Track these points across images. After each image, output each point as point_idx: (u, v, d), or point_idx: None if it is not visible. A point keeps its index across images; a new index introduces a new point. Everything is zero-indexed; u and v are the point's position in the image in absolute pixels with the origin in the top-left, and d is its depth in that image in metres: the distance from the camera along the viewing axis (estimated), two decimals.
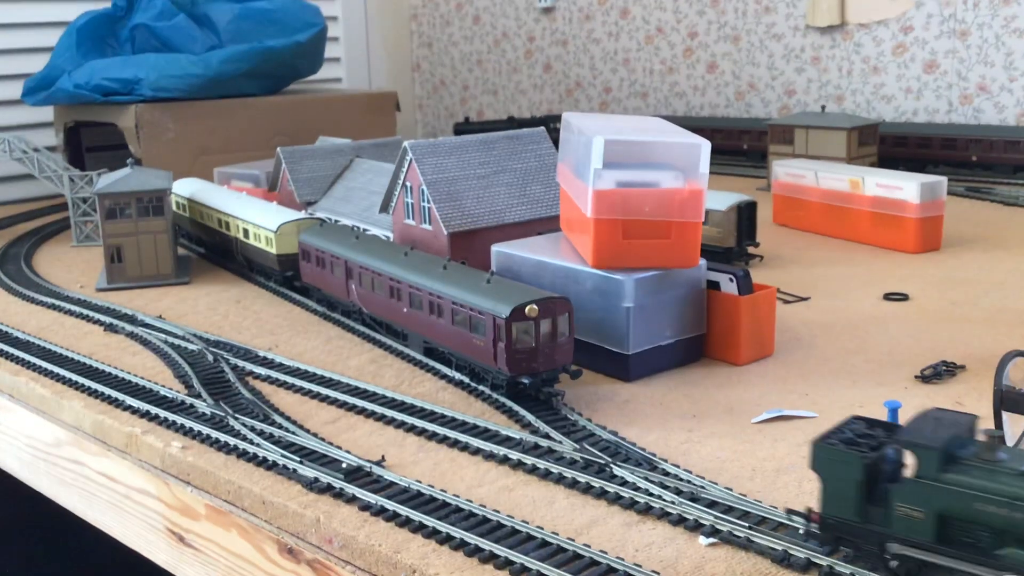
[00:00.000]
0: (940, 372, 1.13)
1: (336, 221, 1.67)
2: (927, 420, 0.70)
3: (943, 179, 1.73)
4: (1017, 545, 0.64)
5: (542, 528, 0.82)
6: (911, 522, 0.68)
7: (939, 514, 0.66)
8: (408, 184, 1.47)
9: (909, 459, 0.68)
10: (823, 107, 2.42)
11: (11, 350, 1.35)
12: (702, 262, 1.20)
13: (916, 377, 1.13)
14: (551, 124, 2.93)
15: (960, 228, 1.86)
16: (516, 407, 1.07)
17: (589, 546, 0.79)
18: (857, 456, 0.70)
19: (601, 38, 3.20)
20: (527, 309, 1.04)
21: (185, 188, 1.93)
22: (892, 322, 1.35)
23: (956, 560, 0.66)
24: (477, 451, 0.98)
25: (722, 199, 1.64)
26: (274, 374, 1.21)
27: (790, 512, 0.76)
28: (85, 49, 2.37)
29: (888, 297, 1.45)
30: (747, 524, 0.80)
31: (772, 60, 2.82)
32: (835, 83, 2.70)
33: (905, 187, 1.70)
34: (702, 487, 0.87)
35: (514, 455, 0.95)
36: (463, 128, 3.01)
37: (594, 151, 1.13)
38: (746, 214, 1.65)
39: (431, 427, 1.03)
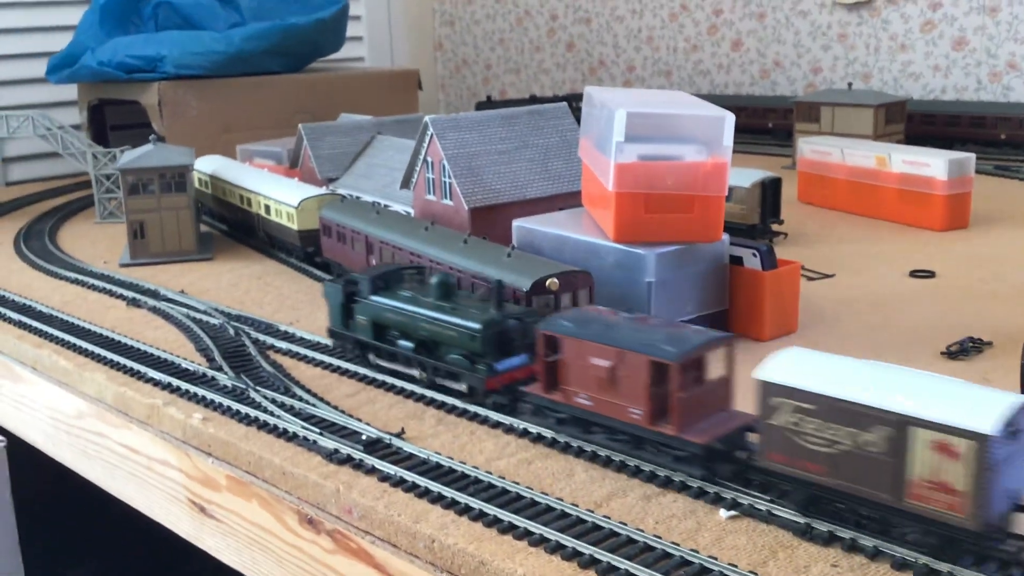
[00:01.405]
0: (967, 348, 1.11)
1: (357, 197, 1.67)
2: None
3: (971, 156, 1.70)
4: (404, 337, 1.07)
5: (562, 500, 0.81)
6: (362, 327, 1.11)
7: (372, 320, 1.10)
8: (429, 159, 1.46)
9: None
10: (850, 84, 2.39)
11: (34, 323, 1.36)
12: (725, 237, 1.18)
13: (942, 353, 1.12)
14: (573, 103, 2.91)
15: (988, 206, 1.83)
16: None
17: (609, 518, 0.78)
18: (339, 286, 1.13)
19: (624, 16, 3.17)
20: (548, 283, 1.04)
21: (207, 165, 1.93)
22: (918, 299, 1.33)
23: (388, 350, 1.09)
24: (497, 424, 0.98)
25: (746, 175, 1.62)
26: (295, 348, 1.21)
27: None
28: (108, 27, 2.37)
29: (914, 274, 1.44)
30: (768, 498, 0.79)
31: (798, 37, 2.78)
32: (862, 60, 2.66)
33: (933, 164, 1.68)
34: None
35: (534, 428, 0.95)
36: (485, 107, 3.00)
37: (616, 124, 1.12)
38: (770, 191, 1.64)
39: (450, 400, 1.03)
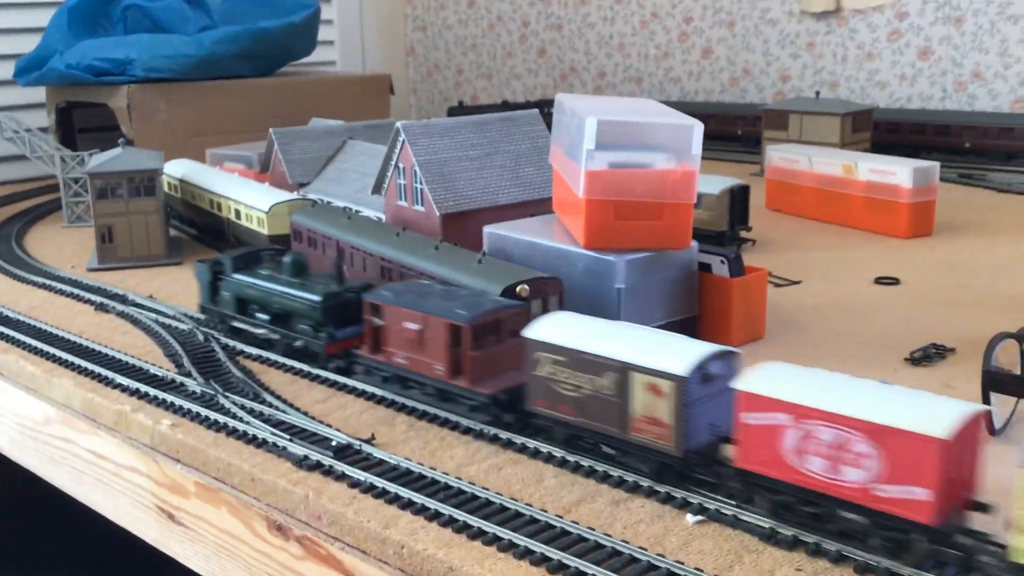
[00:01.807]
0: (930, 355, 1.13)
1: (328, 202, 1.67)
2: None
3: (936, 164, 1.73)
4: (262, 310, 1.21)
5: (531, 505, 0.82)
6: (227, 302, 1.25)
7: (235, 296, 1.24)
8: (401, 165, 1.46)
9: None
10: (817, 93, 2.42)
11: (1, 328, 1.35)
12: (694, 244, 1.20)
13: (906, 359, 1.14)
14: (545, 109, 2.92)
15: (953, 214, 1.86)
16: None
17: (577, 523, 0.79)
18: (207, 266, 1.27)
19: (596, 22, 3.19)
20: (518, 289, 1.04)
21: (177, 169, 1.92)
22: (883, 306, 1.35)
23: (248, 322, 1.23)
24: (467, 430, 0.98)
25: (715, 183, 1.64)
26: (264, 353, 1.21)
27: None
28: (77, 29, 2.35)
29: (879, 281, 1.46)
30: (735, 503, 0.80)
31: (767, 46, 2.81)
32: (830, 69, 2.70)
33: (898, 172, 1.70)
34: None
35: (504, 434, 0.95)
36: (457, 112, 3.00)
37: (587, 132, 1.13)
38: (739, 198, 1.65)
39: (421, 406, 1.03)
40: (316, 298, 1.14)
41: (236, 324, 1.25)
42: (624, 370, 0.84)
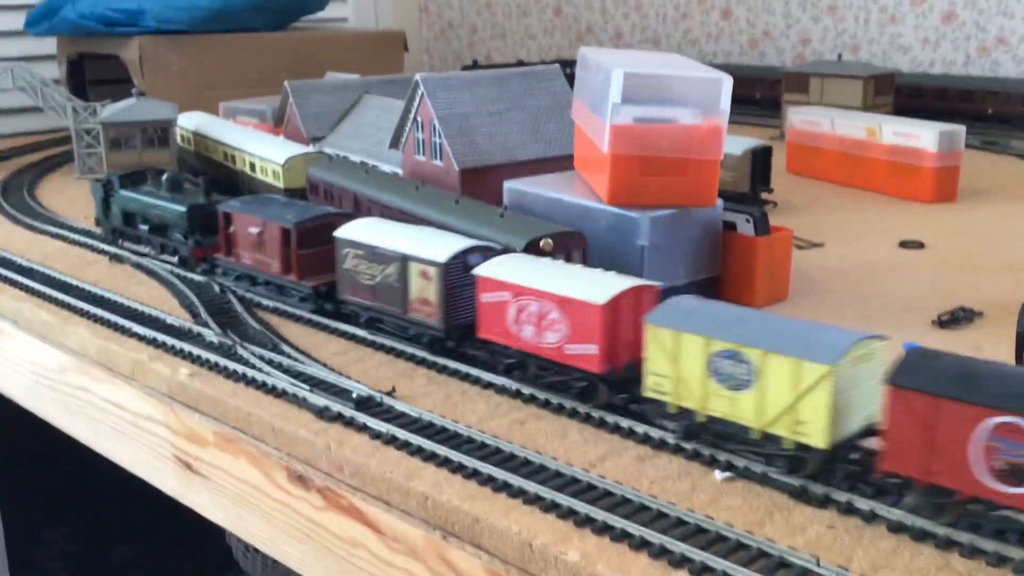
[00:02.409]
0: (958, 318, 1.12)
1: (344, 157, 1.65)
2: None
3: (961, 128, 1.70)
4: (143, 222, 1.41)
5: (555, 459, 0.81)
6: (115, 215, 1.45)
7: (122, 210, 1.44)
8: (419, 119, 1.44)
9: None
10: (839, 56, 2.39)
11: (15, 276, 1.34)
12: (719, 202, 1.18)
13: (933, 322, 1.12)
14: (562, 69, 2.88)
15: (976, 180, 1.83)
16: None
17: (604, 478, 0.78)
18: (100, 184, 1.46)
19: None
20: (542, 243, 1.03)
21: (190, 121, 1.90)
22: (908, 269, 1.33)
23: (132, 232, 1.45)
24: (488, 385, 0.97)
25: (737, 143, 1.61)
26: (281, 306, 1.20)
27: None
28: None
29: (904, 245, 1.44)
30: (763, 460, 0.79)
31: (788, 8, 2.77)
32: (851, 32, 2.65)
33: (923, 135, 1.67)
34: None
35: (526, 389, 0.94)
36: (471, 71, 2.97)
37: (613, 85, 1.10)
38: (760, 159, 1.63)
39: (441, 360, 1.02)
40: (183, 209, 1.33)
41: (122, 233, 1.47)
42: (404, 260, 1.03)
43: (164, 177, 1.40)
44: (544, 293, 0.90)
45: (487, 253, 1.00)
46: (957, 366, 0.70)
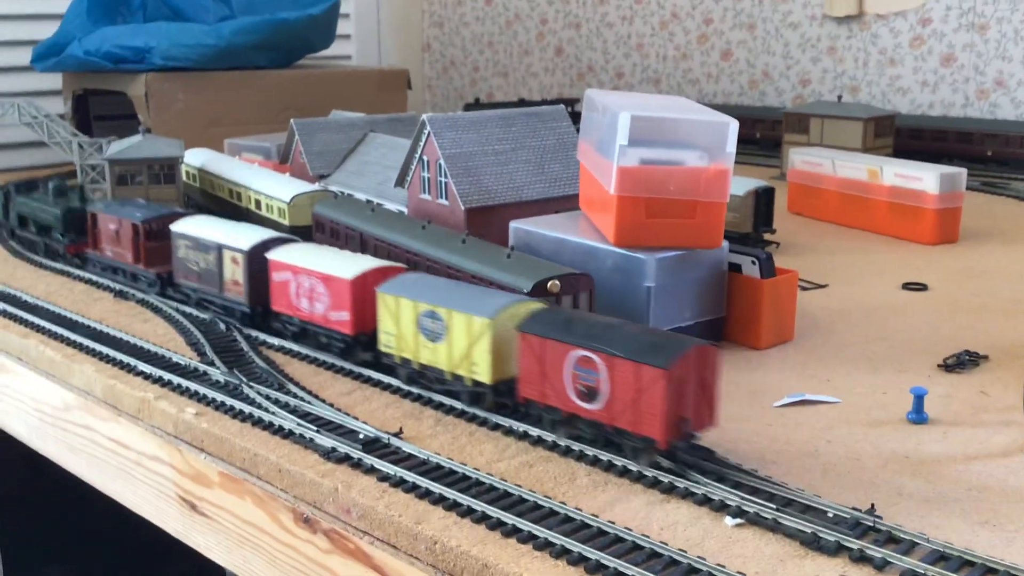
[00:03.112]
0: (963, 361, 1.12)
1: (349, 195, 1.66)
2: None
3: (962, 171, 1.71)
4: (33, 224, 1.66)
5: (565, 504, 0.80)
6: (13, 219, 1.73)
7: (18, 214, 1.72)
8: (425, 158, 1.45)
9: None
10: (839, 96, 2.41)
11: (20, 313, 1.33)
12: (724, 244, 1.18)
13: (939, 366, 1.12)
14: (568, 107, 2.90)
15: (977, 222, 1.84)
16: None
17: (614, 523, 0.77)
18: (2, 191, 1.78)
19: (615, 22, 3.17)
20: (549, 285, 1.03)
21: (196, 158, 1.91)
22: (912, 311, 1.33)
23: (25, 233, 1.72)
24: (496, 426, 0.97)
25: (740, 184, 1.62)
26: (287, 344, 1.20)
27: None
28: (96, 16, 2.34)
29: (907, 286, 1.44)
30: (774, 505, 0.79)
31: (788, 49, 2.80)
32: (850, 74, 2.68)
33: (924, 178, 1.69)
34: (726, 468, 0.86)
35: (534, 431, 0.94)
36: (473, 110, 2.99)
37: (620, 127, 1.11)
38: (764, 200, 1.64)
39: (448, 401, 1.02)
40: (58, 212, 1.59)
41: (16, 236, 1.74)
42: (219, 248, 1.26)
43: (51, 185, 1.64)
44: (313, 271, 1.13)
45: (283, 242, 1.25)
46: (561, 316, 0.93)
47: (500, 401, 0.97)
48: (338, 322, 1.11)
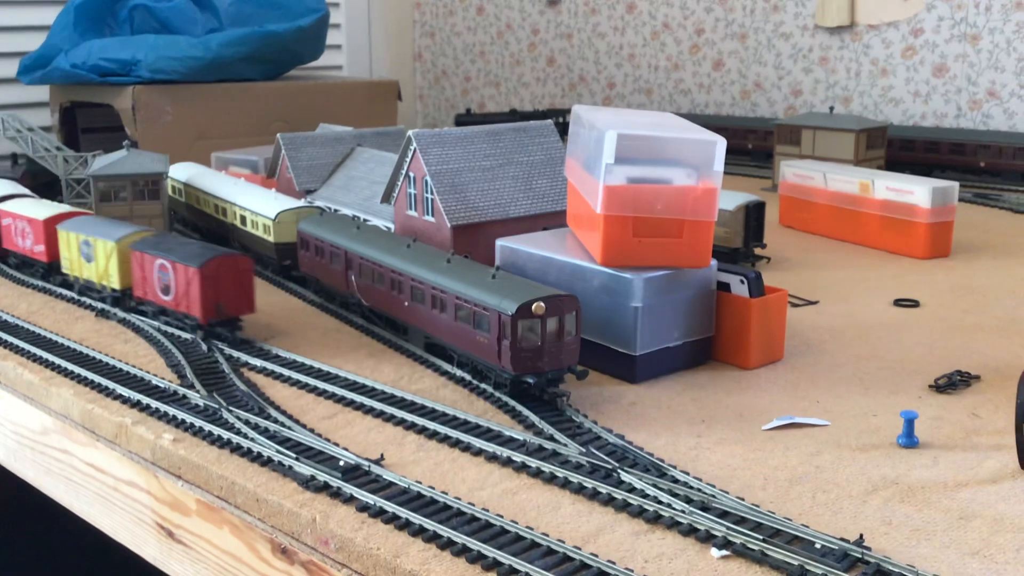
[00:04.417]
0: (955, 382, 1.10)
1: (336, 210, 1.64)
2: None
3: (955, 184, 1.70)
4: None
5: (547, 535, 0.79)
6: None
7: None
8: (411, 174, 1.43)
9: None
10: (831, 108, 2.40)
11: (0, 333, 1.31)
12: (713, 262, 1.17)
13: (930, 386, 1.10)
14: (560, 118, 2.89)
15: (969, 235, 1.83)
16: (519, 407, 1.04)
17: (597, 555, 0.75)
18: None
19: (606, 32, 3.16)
20: (534, 307, 1.01)
21: (182, 172, 1.89)
22: (903, 329, 1.32)
23: None
24: (479, 452, 0.95)
25: (730, 199, 1.61)
26: (270, 366, 1.18)
27: None
28: (83, 28, 2.32)
29: (899, 303, 1.43)
30: (761, 536, 0.77)
31: (779, 59, 2.79)
32: (843, 84, 2.67)
33: (916, 191, 1.67)
34: (713, 496, 0.84)
35: (518, 457, 0.92)
36: (464, 119, 2.98)
37: (606, 146, 1.10)
38: (754, 214, 1.62)
39: (431, 425, 1.00)
40: None
41: None
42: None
43: None
44: (23, 216, 1.56)
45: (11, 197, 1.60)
46: (155, 239, 1.34)
47: (130, 305, 1.37)
48: (39, 252, 1.53)
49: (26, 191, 1.73)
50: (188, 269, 1.23)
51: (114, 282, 1.37)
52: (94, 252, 1.38)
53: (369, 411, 1.06)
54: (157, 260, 1.28)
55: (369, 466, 0.91)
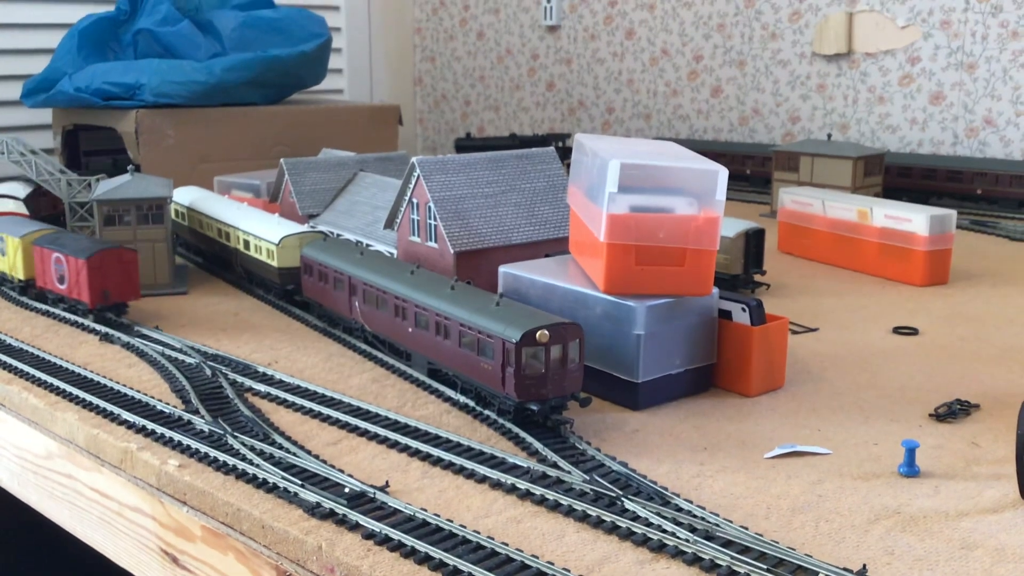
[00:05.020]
0: (955, 411, 1.11)
1: (339, 235, 1.65)
2: None
3: (952, 212, 1.72)
4: None
5: (553, 563, 0.79)
6: None
7: None
8: (415, 201, 1.44)
9: None
10: (829, 135, 2.42)
11: (3, 358, 1.32)
12: (714, 291, 1.18)
13: (930, 415, 1.11)
14: (554, 143, 2.91)
15: (966, 261, 1.84)
16: (523, 434, 1.04)
17: None
18: None
19: (605, 58, 3.19)
20: (538, 334, 1.02)
21: (185, 196, 1.90)
22: (903, 357, 1.33)
23: None
24: (484, 479, 0.96)
25: (730, 225, 1.62)
26: (274, 391, 1.19)
27: None
28: (87, 52, 2.34)
29: (898, 331, 1.44)
30: (765, 567, 0.77)
31: (777, 86, 2.81)
32: (840, 112, 2.69)
33: (914, 219, 1.69)
34: (717, 525, 0.85)
35: (522, 485, 0.93)
36: (464, 144, 2.99)
37: (609, 174, 1.11)
38: (754, 241, 1.63)
39: (436, 452, 1.01)
40: None
41: None
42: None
43: None
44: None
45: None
46: (53, 235, 1.53)
47: (35, 293, 1.57)
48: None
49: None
50: (78, 261, 1.43)
51: (20, 273, 1.58)
52: (6, 247, 1.60)
53: (374, 437, 1.06)
54: (53, 254, 1.48)
55: (375, 493, 0.91)
